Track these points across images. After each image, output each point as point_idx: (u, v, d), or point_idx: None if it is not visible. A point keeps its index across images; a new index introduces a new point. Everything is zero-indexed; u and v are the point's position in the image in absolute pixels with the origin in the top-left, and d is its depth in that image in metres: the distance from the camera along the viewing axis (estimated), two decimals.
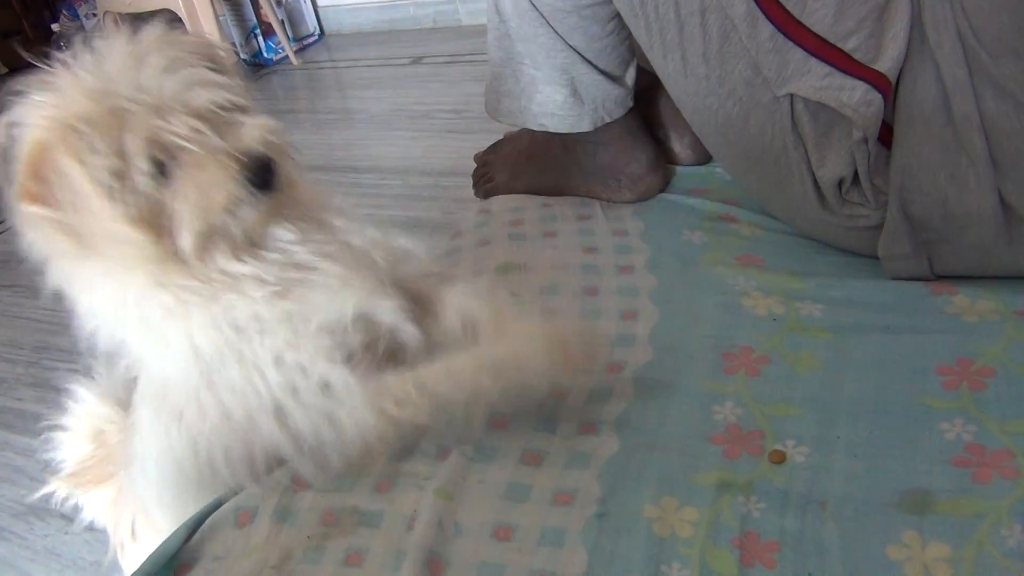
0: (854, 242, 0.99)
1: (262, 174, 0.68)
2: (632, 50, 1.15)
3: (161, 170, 0.66)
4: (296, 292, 0.76)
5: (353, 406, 0.77)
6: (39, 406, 1.85)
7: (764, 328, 0.94)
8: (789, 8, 0.87)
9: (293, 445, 0.79)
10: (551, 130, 1.18)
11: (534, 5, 1.07)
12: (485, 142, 1.51)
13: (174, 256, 0.70)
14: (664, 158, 1.27)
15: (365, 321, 0.80)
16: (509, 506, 0.79)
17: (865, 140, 0.87)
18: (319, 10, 3.82)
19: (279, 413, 0.77)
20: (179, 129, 0.64)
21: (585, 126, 1.16)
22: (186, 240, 0.69)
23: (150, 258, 0.68)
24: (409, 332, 0.83)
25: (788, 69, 0.89)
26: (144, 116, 0.64)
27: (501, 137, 1.43)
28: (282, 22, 3.55)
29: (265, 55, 3.59)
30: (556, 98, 1.14)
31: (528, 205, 1.27)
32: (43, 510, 1.51)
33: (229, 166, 0.66)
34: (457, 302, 0.88)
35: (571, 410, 0.89)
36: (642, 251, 1.11)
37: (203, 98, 0.66)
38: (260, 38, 3.56)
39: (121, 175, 0.64)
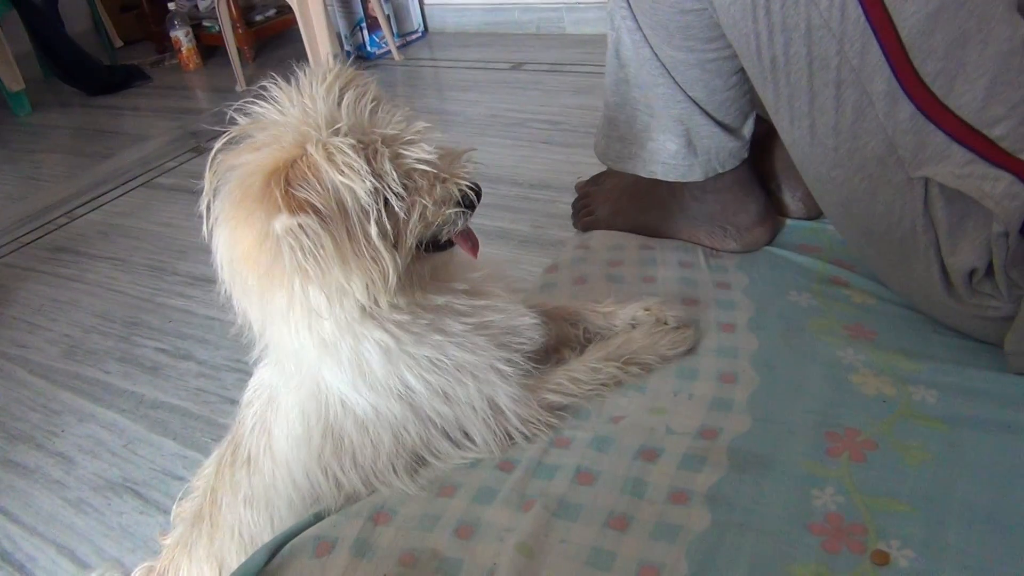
0: (978, 330, 0.94)
1: (475, 195, 0.78)
2: (752, 103, 1.11)
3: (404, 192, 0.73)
4: (484, 316, 0.88)
5: (514, 393, 0.90)
6: (125, 382, 1.90)
7: (873, 410, 0.90)
8: (934, 89, 0.82)
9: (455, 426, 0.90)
10: (660, 178, 1.15)
11: (656, 54, 1.04)
12: (580, 157, 1.48)
13: (397, 286, 0.77)
14: (774, 210, 1.22)
15: (521, 333, 0.93)
16: (591, 573, 0.77)
17: (1006, 234, 0.82)
18: (425, 8, 3.85)
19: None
20: (420, 154, 0.72)
21: (696, 176, 1.13)
22: (407, 260, 0.77)
23: (387, 282, 0.74)
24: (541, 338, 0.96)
25: (926, 152, 0.84)
26: (387, 144, 0.71)
27: (604, 169, 1.41)
28: (388, 17, 3.59)
29: (369, 48, 3.64)
30: (669, 147, 1.11)
31: (628, 244, 1.24)
32: (122, 487, 1.56)
33: (455, 187, 0.75)
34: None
35: (661, 473, 0.86)
36: (745, 308, 1.07)
37: (422, 128, 0.75)
38: (365, 31, 3.61)
39: (377, 194, 0.71)
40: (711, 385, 0.96)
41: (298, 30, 3.10)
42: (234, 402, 1.79)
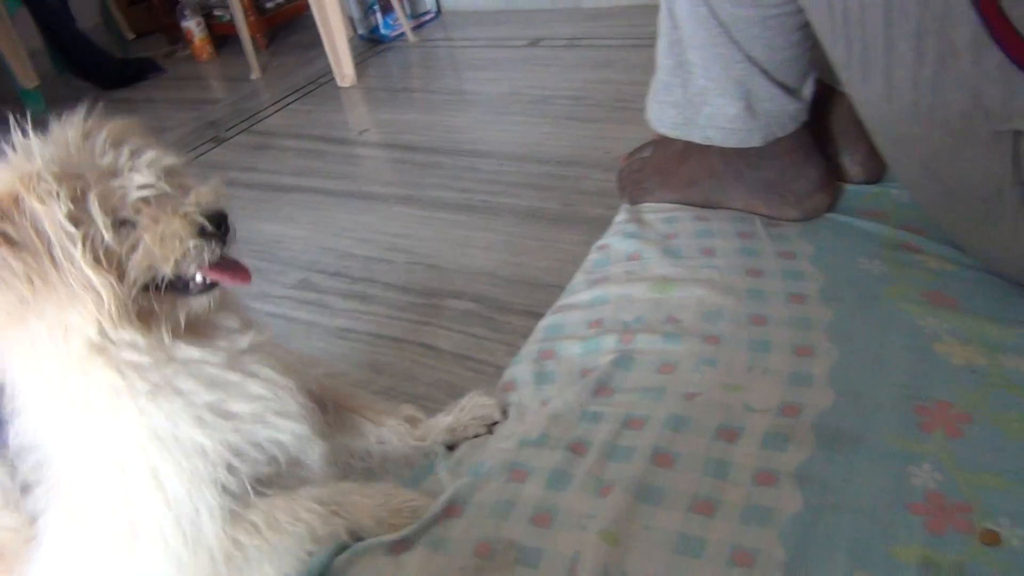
0: None
1: (218, 222, 0.70)
2: (813, 62, 1.06)
3: (122, 226, 0.68)
4: (231, 402, 0.77)
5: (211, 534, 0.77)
6: None
7: (963, 381, 0.85)
8: None
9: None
10: (717, 144, 1.10)
11: (714, 12, 0.99)
12: (606, 132, 1.43)
13: (126, 323, 0.70)
14: (833, 175, 1.17)
15: (279, 447, 0.81)
16: (681, 561, 0.73)
17: None
18: None
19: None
20: (139, 180, 0.68)
21: (755, 141, 1.08)
22: (136, 297, 0.70)
23: (106, 314, 0.68)
24: (315, 456, 0.85)
25: (1016, 103, 0.79)
26: (101, 178, 0.68)
27: (651, 139, 1.36)
28: None
29: (382, 31, 3.58)
30: (728, 111, 1.06)
31: (681, 216, 1.19)
32: None
33: (186, 217, 0.69)
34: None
35: (744, 453, 0.82)
36: (814, 278, 1.02)
37: (155, 160, 0.70)
38: (378, 14, 3.55)
39: (81, 224, 0.66)
40: (787, 359, 0.92)
41: (311, 15, 3.05)
42: None
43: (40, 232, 0.65)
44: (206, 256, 0.71)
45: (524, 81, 3.00)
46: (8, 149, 0.71)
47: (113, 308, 0.68)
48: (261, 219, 2.44)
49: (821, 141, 1.18)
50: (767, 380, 0.90)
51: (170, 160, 0.72)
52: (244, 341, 0.79)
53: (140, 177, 0.69)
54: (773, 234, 1.13)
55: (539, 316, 1.83)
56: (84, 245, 0.66)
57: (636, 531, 0.77)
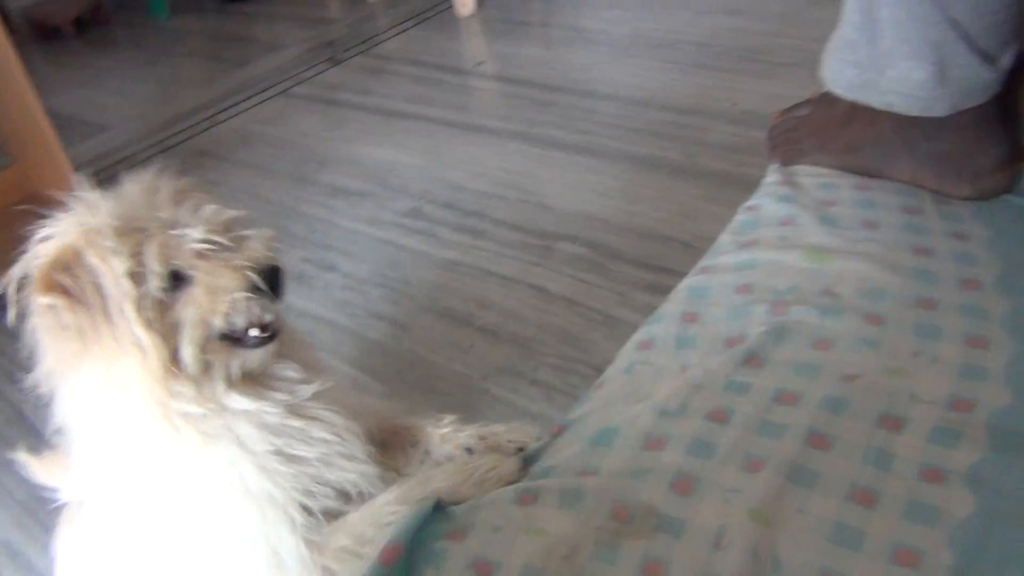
0: None
1: (270, 277, 0.70)
2: (1017, 31, 0.96)
3: (177, 280, 0.69)
4: (294, 447, 0.77)
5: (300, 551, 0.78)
6: None
7: None
8: None
9: None
10: (898, 111, 1.01)
11: None
12: (735, 83, 1.35)
13: (176, 376, 0.70)
14: (1017, 154, 1.08)
15: (350, 485, 0.82)
16: (838, 552, 0.70)
17: None
18: None
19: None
20: (194, 236, 0.69)
21: (940, 110, 1.00)
22: (188, 350, 0.70)
23: (154, 370, 0.68)
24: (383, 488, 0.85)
25: None
26: (161, 230, 0.69)
27: (810, 97, 1.27)
28: None
29: None
30: (915, 76, 0.98)
31: (840, 183, 1.12)
32: None
33: (239, 270, 0.70)
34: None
35: (909, 445, 0.77)
36: (990, 265, 0.95)
37: (213, 216, 0.71)
38: None
39: (138, 279, 0.67)
40: (958, 348, 0.86)
41: None
42: (380, 316, 1.77)
43: (97, 287, 0.67)
44: (256, 312, 0.71)
45: (649, 22, 2.88)
46: (76, 202, 0.73)
47: (159, 367, 0.69)
48: (374, 143, 2.43)
49: (1005, 117, 1.09)
50: (935, 369, 0.84)
51: (229, 214, 0.73)
52: (306, 391, 0.79)
53: (196, 231, 0.69)
54: (943, 212, 1.05)
55: (652, 268, 1.79)
56: (138, 303, 0.67)
57: (788, 514, 0.73)
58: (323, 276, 1.90)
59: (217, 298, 0.69)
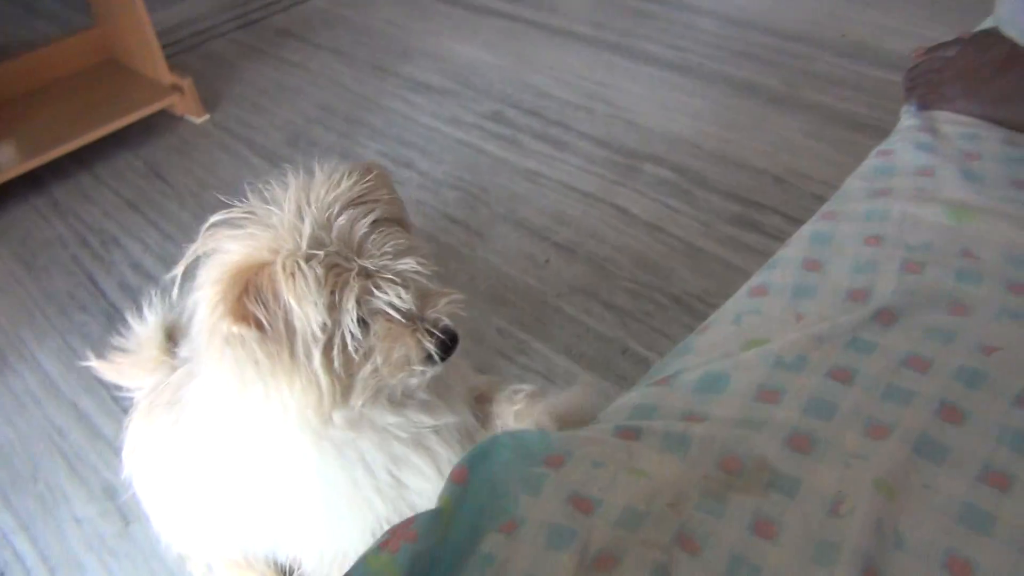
0: None
1: (448, 347, 0.71)
2: None
3: (361, 323, 0.68)
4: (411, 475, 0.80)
5: None
6: None
7: None
8: None
9: None
10: None
11: None
12: (847, 12, 1.23)
13: (338, 409, 0.72)
14: None
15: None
16: (967, 534, 0.65)
17: None
18: None
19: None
20: (388, 296, 0.67)
21: None
22: (359, 397, 0.71)
23: (323, 407, 0.70)
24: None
25: None
26: (359, 278, 0.67)
27: (959, 36, 1.16)
28: None
29: None
30: None
31: (986, 136, 1.02)
32: None
33: (422, 337, 0.70)
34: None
35: None
36: None
37: (409, 266, 0.69)
38: None
39: (330, 325, 0.66)
40: None
41: None
42: (455, 220, 1.73)
43: (289, 324, 0.66)
44: (428, 375, 0.73)
45: None
46: (270, 209, 0.69)
47: (329, 405, 0.70)
48: (460, 40, 2.34)
49: None
50: None
51: (423, 270, 0.71)
52: (438, 419, 0.79)
53: (390, 294, 0.68)
54: None
55: (740, 200, 1.71)
56: (326, 348, 0.67)
57: (914, 487, 0.68)
58: (399, 172, 1.85)
59: (394, 365, 0.70)
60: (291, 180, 0.70)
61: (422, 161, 1.87)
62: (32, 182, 1.91)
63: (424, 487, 0.80)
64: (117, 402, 1.39)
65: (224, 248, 0.68)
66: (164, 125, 2.05)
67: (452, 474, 0.74)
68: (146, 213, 1.78)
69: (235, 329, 0.65)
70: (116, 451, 1.32)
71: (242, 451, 0.78)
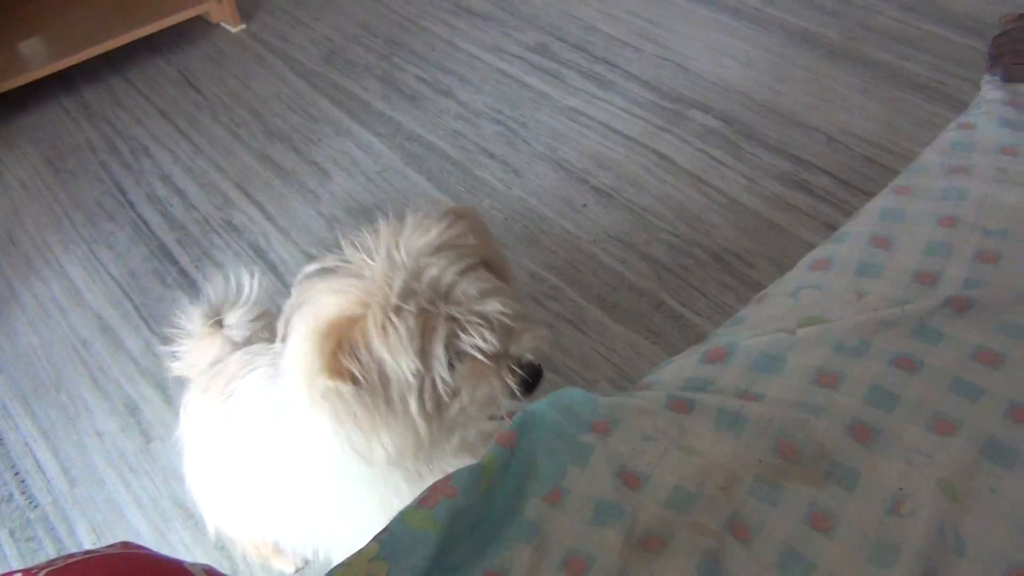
0: None
1: (531, 384, 0.70)
2: None
3: (450, 369, 0.68)
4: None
5: None
6: (384, 104, 1.81)
7: None
8: None
9: None
10: None
11: None
12: None
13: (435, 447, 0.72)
14: None
15: None
16: None
17: None
18: None
19: None
20: (476, 340, 0.67)
21: None
22: (455, 442, 0.72)
23: (422, 448, 0.70)
24: None
25: None
26: (447, 323, 0.67)
27: None
28: None
29: None
30: None
31: None
32: (373, 212, 1.52)
33: (507, 376, 0.69)
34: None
35: None
36: None
37: (494, 308, 0.68)
38: None
39: (422, 371, 0.67)
40: None
41: None
42: (492, 155, 1.68)
43: (383, 375, 0.66)
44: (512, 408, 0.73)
45: None
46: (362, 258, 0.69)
47: (428, 448, 0.71)
48: None
49: None
50: None
51: (508, 311, 0.70)
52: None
53: (475, 337, 0.68)
54: None
55: (789, 156, 1.65)
56: (419, 393, 0.67)
57: (979, 491, 0.66)
58: (438, 101, 1.78)
59: (482, 402, 0.70)
60: (382, 227, 0.70)
61: (462, 90, 1.81)
62: (63, 82, 1.85)
63: None
64: (141, 315, 1.37)
65: (317, 300, 0.69)
66: (199, 32, 1.98)
67: (499, 437, 0.72)
68: (177, 123, 1.73)
69: (331, 384, 0.66)
70: (140, 369, 1.31)
71: (295, 465, 0.80)
